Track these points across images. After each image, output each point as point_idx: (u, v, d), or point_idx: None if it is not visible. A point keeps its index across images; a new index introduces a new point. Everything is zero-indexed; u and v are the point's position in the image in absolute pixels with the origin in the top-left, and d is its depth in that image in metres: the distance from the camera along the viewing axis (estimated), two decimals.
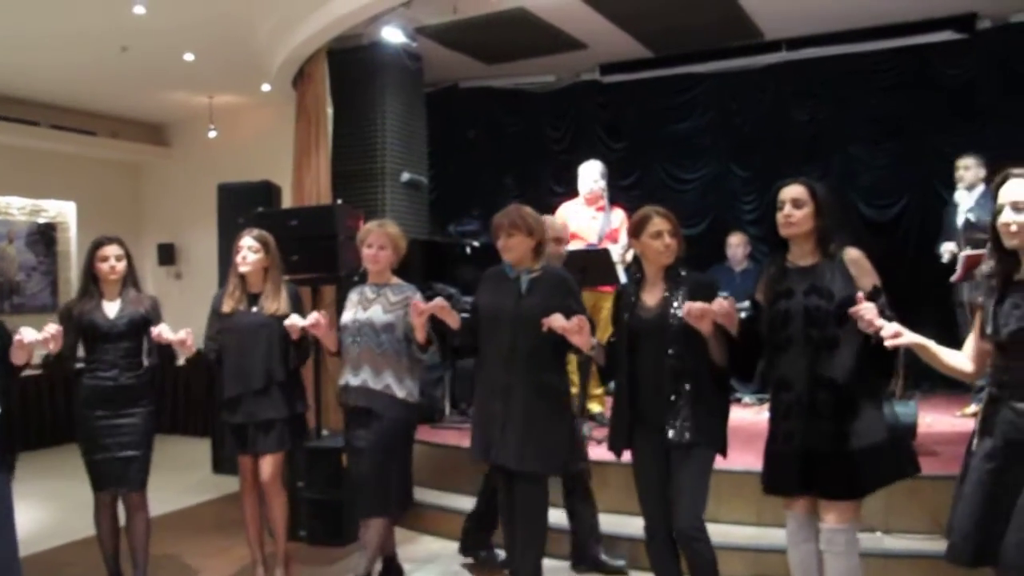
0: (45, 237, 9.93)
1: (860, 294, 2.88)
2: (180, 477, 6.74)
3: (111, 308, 4.21)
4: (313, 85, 6.79)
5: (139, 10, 6.32)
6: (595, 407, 5.83)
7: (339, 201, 6.02)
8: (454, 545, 4.79)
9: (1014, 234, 2.57)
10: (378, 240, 4.10)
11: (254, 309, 4.32)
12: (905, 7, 6.75)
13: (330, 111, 6.72)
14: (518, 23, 6.75)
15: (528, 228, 3.69)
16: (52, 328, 3.51)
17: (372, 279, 4.19)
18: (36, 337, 3.43)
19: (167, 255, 10.34)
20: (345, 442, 4.22)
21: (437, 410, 6.18)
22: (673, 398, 3.33)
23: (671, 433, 3.32)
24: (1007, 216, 2.59)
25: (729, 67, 7.86)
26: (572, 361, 4.63)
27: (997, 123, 6.75)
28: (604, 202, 5.99)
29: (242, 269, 4.32)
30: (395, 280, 4.19)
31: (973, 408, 5.00)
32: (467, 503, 4.86)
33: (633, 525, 3.99)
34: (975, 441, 2.72)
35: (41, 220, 9.93)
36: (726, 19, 6.94)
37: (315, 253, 5.31)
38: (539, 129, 8.58)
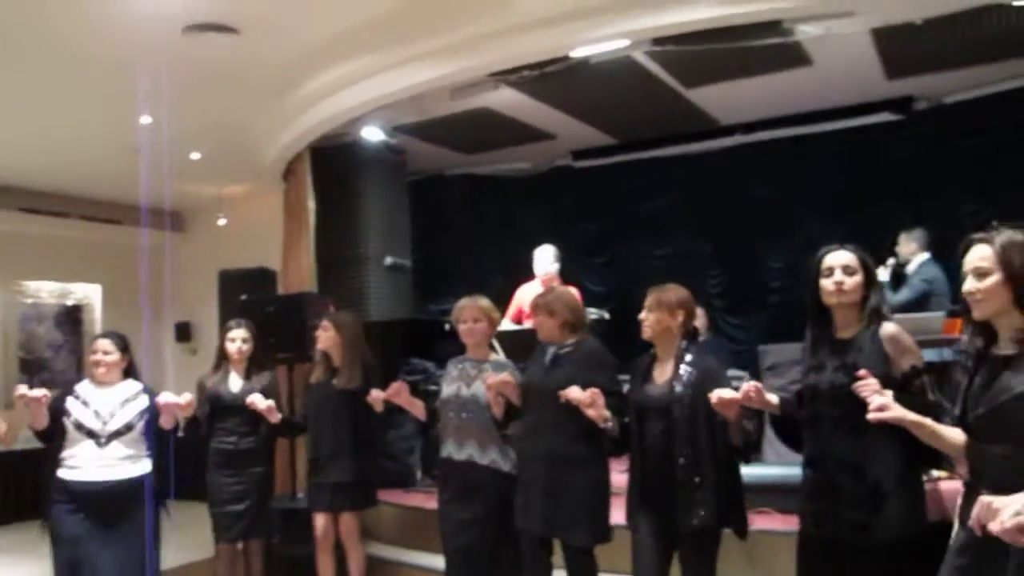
0: (72, 318, 10.70)
1: (862, 371, 2.69)
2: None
3: (236, 383, 4.92)
4: (296, 180, 7.46)
5: (145, 120, 7.09)
6: None
7: (314, 290, 6.66)
8: None
9: (978, 303, 2.34)
10: (472, 314, 4.26)
11: (334, 382, 4.87)
12: (848, 92, 7.24)
13: (311, 204, 7.33)
14: (486, 119, 7.36)
15: (549, 310, 3.98)
16: (188, 396, 4.27)
17: (471, 353, 4.32)
18: (175, 400, 4.18)
19: (184, 333, 11.01)
20: (442, 514, 4.33)
21: (410, 475, 6.70)
22: (684, 482, 3.33)
23: (681, 516, 3.33)
24: (970, 284, 2.36)
25: (690, 150, 8.39)
26: None
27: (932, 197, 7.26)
28: (557, 282, 6.52)
29: (320, 346, 4.94)
30: (493, 356, 4.35)
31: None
32: (434, 561, 5.11)
33: None
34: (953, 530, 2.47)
35: (69, 302, 10.71)
36: (680, 110, 7.49)
37: (289, 336, 5.91)
38: (518, 212, 9.12)
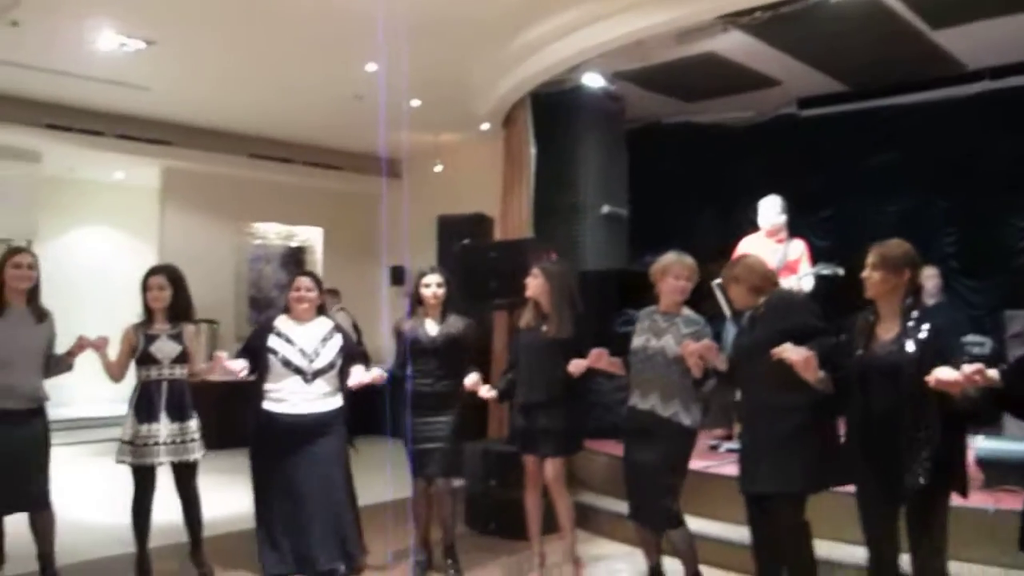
0: (295, 259, 11.28)
1: None
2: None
3: (432, 327, 5.03)
4: (517, 127, 7.47)
5: (371, 67, 7.27)
6: None
7: (532, 235, 6.65)
8: (623, 547, 5.33)
9: None
10: (684, 272, 4.31)
11: (543, 328, 4.88)
12: None
13: (532, 151, 7.33)
14: (710, 65, 7.12)
15: (734, 277, 4.01)
16: (376, 372, 4.66)
17: (665, 308, 4.37)
18: (365, 381, 4.55)
19: (398, 276, 11.34)
20: (624, 460, 4.48)
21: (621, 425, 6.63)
22: (910, 442, 3.24)
23: (906, 477, 3.24)
24: None
25: (929, 98, 7.82)
26: None
27: None
28: (784, 234, 6.27)
29: (528, 294, 4.93)
30: (686, 311, 4.36)
31: None
32: None
33: None
34: None
35: (293, 244, 11.29)
36: (922, 54, 7.00)
37: (510, 281, 5.93)
38: (737, 163, 8.77)
